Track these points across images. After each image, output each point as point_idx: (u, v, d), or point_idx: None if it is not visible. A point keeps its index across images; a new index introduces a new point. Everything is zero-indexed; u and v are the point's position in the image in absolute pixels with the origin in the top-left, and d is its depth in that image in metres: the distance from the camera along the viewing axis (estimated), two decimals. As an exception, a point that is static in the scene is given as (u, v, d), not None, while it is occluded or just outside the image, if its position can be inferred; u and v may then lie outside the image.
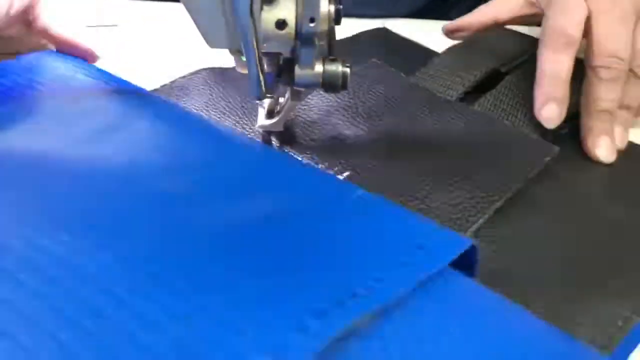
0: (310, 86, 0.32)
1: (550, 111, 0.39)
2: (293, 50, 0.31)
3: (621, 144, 0.40)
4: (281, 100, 0.37)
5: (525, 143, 0.39)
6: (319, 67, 0.31)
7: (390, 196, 0.31)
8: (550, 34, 0.40)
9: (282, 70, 0.32)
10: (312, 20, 0.28)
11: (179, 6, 0.30)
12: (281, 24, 0.28)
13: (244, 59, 0.33)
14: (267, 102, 0.39)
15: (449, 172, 0.36)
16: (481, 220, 0.32)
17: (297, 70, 0.31)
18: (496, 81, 0.45)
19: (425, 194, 0.34)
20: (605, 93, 0.39)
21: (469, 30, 0.50)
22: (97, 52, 0.43)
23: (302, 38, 0.29)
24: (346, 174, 0.36)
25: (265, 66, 0.32)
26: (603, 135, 0.39)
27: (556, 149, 0.38)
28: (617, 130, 0.40)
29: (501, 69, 0.46)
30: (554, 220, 0.34)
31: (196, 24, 0.31)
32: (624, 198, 0.36)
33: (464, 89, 0.44)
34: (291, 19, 0.28)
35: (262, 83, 0.31)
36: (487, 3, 0.50)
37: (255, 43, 0.29)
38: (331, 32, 0.30)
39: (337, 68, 0.31)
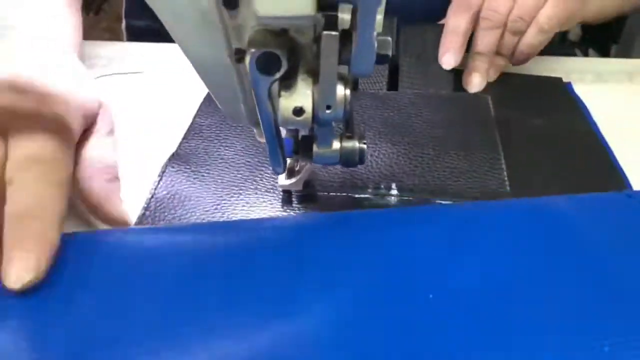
0: (328, 164, 0.31)
1: (447, 58, 0.52)
2: (311, 129, 0.31)
3: (491, 79, 0.52)
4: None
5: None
6: (336, 145, 0.31)
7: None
8: (457, 1, 0.53)
9: (301, 148, 0.31)
10: (328, 107, 0.28)
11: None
12: (298, 112, 0.28)
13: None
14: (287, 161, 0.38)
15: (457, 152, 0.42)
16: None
17: (316, 149, 0.31)
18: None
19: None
20: (481, 39, 0.50)
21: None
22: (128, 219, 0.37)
23: (320, 122, 0.29)
24: (393, 184, 0.39)
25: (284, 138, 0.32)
26: (474, 72, 0.51)
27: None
28: (490, 71, 0.52)
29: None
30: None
31: (216, 100, 0.31)
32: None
33: None
34: (308, 106, 0.28)
35: (282, 160, 0.31)
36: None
37: (274, 125, 0.29)
38: (348, 113, 0.30)
39: (354, 145, 0.31)
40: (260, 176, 0.41)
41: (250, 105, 0.31)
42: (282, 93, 0.27)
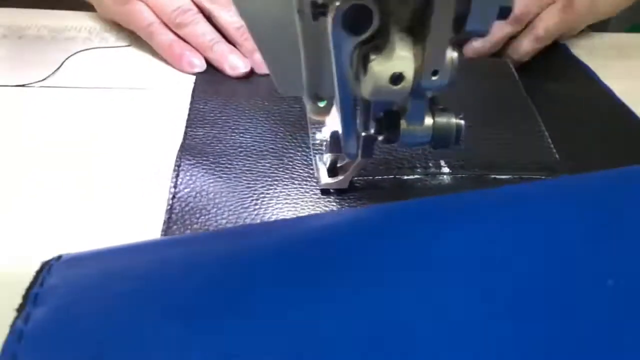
0: (417, 144, 0.27)
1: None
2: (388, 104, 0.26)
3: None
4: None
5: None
6: (428, 120, 0.26)
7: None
8: None
9: (383, 127, 0.26)
10: (435, 72, 0.23)
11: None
12: (397, 79, 0.23)
13: (321, 105, 0.28)
14: (327, 157, 0.34)
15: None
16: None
17: (404, 126, 0.26)
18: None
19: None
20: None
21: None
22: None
23: (417, 92, 0.24)
24: (442, 162, 0.36)
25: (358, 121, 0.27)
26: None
27: None
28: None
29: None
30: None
31: (270, 68, 0.26)
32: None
33: None
34: (409, 72, 0.23)
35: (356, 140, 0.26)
36: None
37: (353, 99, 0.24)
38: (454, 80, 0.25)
39: (449, 121, 0.26)
40: (291, 163, 0.36)
41: (313, 74, 0.26)
42: (373, 57, 0.22)
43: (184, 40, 0.46)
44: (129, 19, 0.47)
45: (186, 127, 0.39)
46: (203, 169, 0.35)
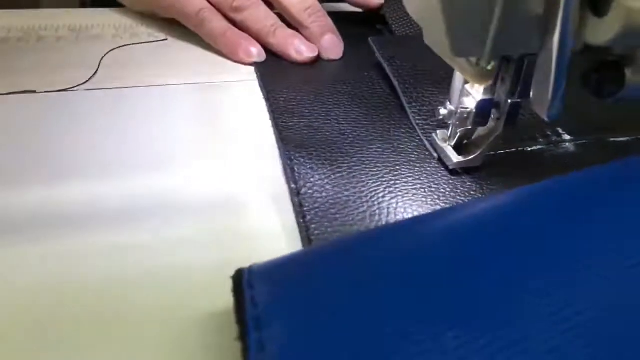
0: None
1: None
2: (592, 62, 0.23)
3: None
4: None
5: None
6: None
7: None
8: None
9: (592, 77, 0.23)
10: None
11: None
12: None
13: (489, 67, 0.25)
14: (442, 133, 0.31)
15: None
16: None
17: (630, 76, 0.22)
18: None
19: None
20: None
21: None
22: None
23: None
24: (559, 130, 0.34)
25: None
26: None
27: None
28: None
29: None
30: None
31: (449, 26, 0.23)
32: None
33: None
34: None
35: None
36: None
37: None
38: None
39: None
40: (402, 146, 0.33)
41: (506, 29, 0.22)
42: None
43: (239, 28, 0.42)
44: (173, 7, 0.43)
45: (275, 119, 0.35)
46: (317, 160, 0.31)
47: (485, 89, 0.27)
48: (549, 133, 0.34)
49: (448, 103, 0.30)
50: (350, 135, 0.34)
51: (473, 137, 0.31)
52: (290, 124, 0.34)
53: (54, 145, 0.32)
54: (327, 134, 0.34)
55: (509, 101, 0.28)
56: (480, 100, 0.27)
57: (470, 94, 0.28)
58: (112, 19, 0.48)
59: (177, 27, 0.46)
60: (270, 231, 0.27)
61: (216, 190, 0.30)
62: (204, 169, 0.31)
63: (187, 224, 0.27)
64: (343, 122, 0.35)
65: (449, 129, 0.31)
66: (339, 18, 0.50)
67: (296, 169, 0.30)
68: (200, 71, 0.41)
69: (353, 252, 0.20)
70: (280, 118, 0.35)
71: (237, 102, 0.38)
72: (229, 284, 0.20)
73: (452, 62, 0.26)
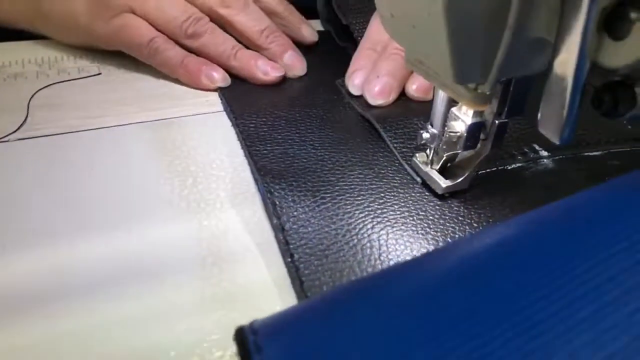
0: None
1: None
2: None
3: None
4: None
5: None
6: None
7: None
8: None
9: (606, 98, 0.22)
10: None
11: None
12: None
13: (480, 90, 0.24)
14: (421, 156, 0.31)
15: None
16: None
17: None
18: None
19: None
20: None
21: None
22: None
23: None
24: (535, 146, 0.34)
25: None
26: None
27: None
28: None
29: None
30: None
31: (454, 53, 0.21)
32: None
33: None
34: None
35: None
36: None
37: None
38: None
39: None
40: (383, 171, 0.32)
41: (513, 54, 0.21)
42: (634, 15, 0.18)
43: (195, 54, 0.40)
44: (120, 38, 0.39)
45: (247, 146, 0.33)
46: (299, 191, 0.29)
47: (474, 112, 0.27)
48: (526, 150, 0.33)
49: (430, 126, 0.29)
50: (329, 162, 0.32)
51: (457, 160, 0.30)
52: (264, 151, 0.33)
53: None
54: (305, 160, 0.32)
55: (496, 122, 0.27)
56: (471, 124, 0.27)
57: (459, 118, 0.27)
58: (32, 53, 0.43)
59: (110, 58, 0.43)
60: (258, 276, 0.25)
61: (187, 246, 0.27)
62: (170, 223, 0.28)
63: (161, 289, 0.25)
64: (319, 148, 0.33)
65: (429, 152, 0.30)
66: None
67: (277, 203, 0.28)
68: (148, 107, 0.38)
69: (369, 298, 0.18)
70: (253, 145, 0.33)
71: (196, 137, 0.35)
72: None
73: (444, 88, 0.25)
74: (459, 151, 0.28)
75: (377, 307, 0.17)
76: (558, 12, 0.20)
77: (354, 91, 0.38)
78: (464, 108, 0.27)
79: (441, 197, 0.30)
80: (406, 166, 0.32)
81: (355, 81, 0.38)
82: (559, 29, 0.19)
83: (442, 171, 0.30)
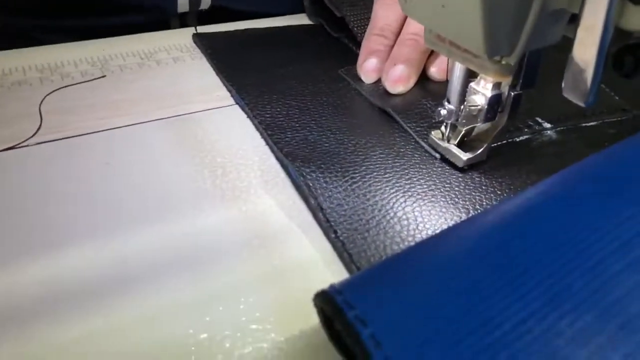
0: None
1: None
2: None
3: None
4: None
5: None
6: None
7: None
8: None
9: (627, 60, 0.24)
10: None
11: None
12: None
13: (504, 62, 0.26)
14: (436, 133, 0.32)
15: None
16: None
17: None
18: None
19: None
20: None
21: None
22: None
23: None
24: (538, 119, 0.35)
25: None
26: None
27: None
28: None
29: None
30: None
31: (486, 28, 0.23)
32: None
33: None
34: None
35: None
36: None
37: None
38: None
39: None
40: (402, 150, 0.33)
41: (539, 27, 0.23)
42: None
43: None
44: None
45: (270, 136, 0.34)
46: (329, 173, 0.30)
47: (493, 85, 0.28)
48: (530, 123, 0.36)
49: (446, 103, 0.31)
50: (350, 145, 0.33)
51: (473, 134, 0.32)
52: (287, 139, 0.34)
53: (23, 210, 0.29)
54: (327, 145, 0.33)
55: (512, 94, 0.29)
56: (492, 96, 0.28)
57: (479, 92, 0.29)
58: (32, 60, 0.43)
59: (111, 61, 0.43)
60: (304, 254, 0.26)
61: (232, 231, 0.28)
62: (210, 212, 0.29)
63: (216, 273, 0.25)
64: (337, 132, 0.35)
65: (445, 129, 0.32)
66: (290, 31, 0.50)
67: (311, 184, 0.29)
68: (160, 105, 0.38)
69: (441, 253, 0.20)
70: (274, 134, 0.34)
71: (214, 130, 0.36)
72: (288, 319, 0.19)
73: (468, 62, 0.27)
74: (479, 124, 0.30)
75: (440, 265, 0.19)
76: (579, -16, 0.22)
77: (368, 79, 0.40)
78: (483, 82, 0.29)
79: (461, 169, 0.31)
80: (423, 144, 0.33)
81: (368, 69, 0.39)
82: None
83: (460, 145, 0.32)
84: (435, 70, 0.39)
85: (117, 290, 0.24)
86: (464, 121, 0.30)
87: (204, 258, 0.26)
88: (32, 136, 0.34)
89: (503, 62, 0.25)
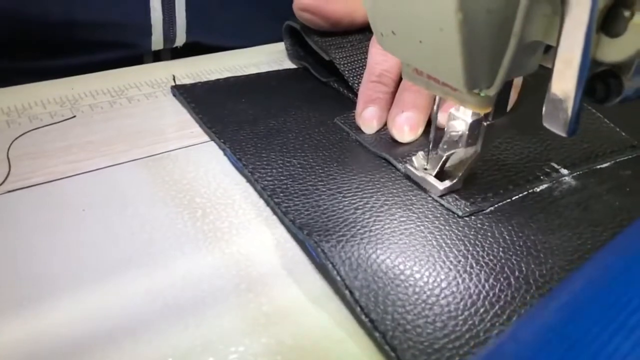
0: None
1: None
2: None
3: None
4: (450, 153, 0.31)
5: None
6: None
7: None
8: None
9: (599, 88, 0.24)
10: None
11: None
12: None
13: (483, 94, 0.26)
14: (416, 162, 0.33)
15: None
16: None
17: (626, 81, 0.23)
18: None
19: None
20: None
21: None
22: None
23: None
24: (553, 164, 0.35)
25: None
26: None
27: None
28: None
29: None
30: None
31: (466, 62, 0.23)
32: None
33: None
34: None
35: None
36: None
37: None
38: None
39: None
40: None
41: (518, 59, 0.23)
42: (627, 12, 0.20)
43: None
44: None
45: (277, 204, 0.31)
46: (348, 244, 0.28)
47: (472, 112, 0.29)
48: (547, 170, 0.35)
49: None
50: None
51: (448, 164, 0.32)
52: (296, 206, 0.31)
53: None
54: (341, 211, 0.30)
55: (484, 123, 0.29)
56: (473, 121, 0.29)
57: (459, 117, 0.29)
58: None
59: (80, 100, 0.42)
60: (293, 295, 0.26)
61: (216, 275, 0.27)
62: (193, 256, 0.28)
63: (202, 324, 0.25)
64: (349, 194, 0.32)
65: (424, 158, 0.32)
66: (275, 77, 0.48)
67: (333, 261, 0.26)
68: (135, 145, 0.37)
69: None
70: (282, 203, 0.31)
71: (192, 169, 0.35)
72: None
73: (447, 96, 0.27)
74: (460, 149, 0.30)
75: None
76: (553, 17, 0.22)
77: (368, 129, 0.38)
78: (462, 108, 0.29)
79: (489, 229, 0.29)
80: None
81: (368, 118, 0.38)
82: (560, 31, 0.21)
83: (440, 173, 0.31)
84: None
85: (97, 345, 0.23)
86: (445, 147, 0.31)
87: (189, 306, 0.25)
88: (0, 184, 0.32)
89: (482, 95, 0.25)
